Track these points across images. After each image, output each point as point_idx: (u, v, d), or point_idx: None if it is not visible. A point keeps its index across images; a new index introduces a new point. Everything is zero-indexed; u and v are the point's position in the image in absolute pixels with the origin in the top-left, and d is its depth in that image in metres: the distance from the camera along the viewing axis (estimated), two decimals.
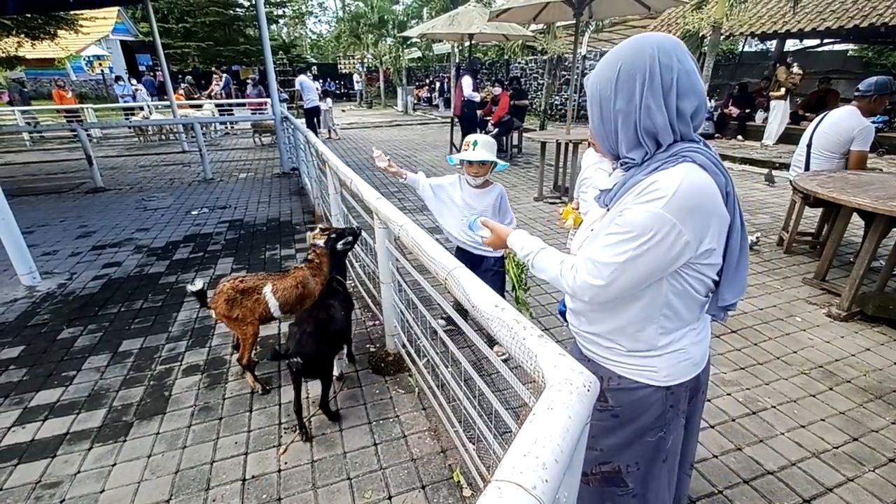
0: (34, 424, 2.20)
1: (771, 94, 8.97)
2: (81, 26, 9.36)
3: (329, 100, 12.03)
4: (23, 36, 8.56)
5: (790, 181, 3.90)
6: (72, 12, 9.63)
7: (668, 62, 0.89)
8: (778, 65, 9.44)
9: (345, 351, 2.51)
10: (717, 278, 1.00)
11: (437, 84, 18.65)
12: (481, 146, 2.30)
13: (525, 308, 1.81)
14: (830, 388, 2.39)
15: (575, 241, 1.17)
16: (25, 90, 13.67)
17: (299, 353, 1.98)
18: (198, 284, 2.22)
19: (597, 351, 1.14)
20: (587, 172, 2.43)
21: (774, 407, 2.26)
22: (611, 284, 0.96)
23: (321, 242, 2.56)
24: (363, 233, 2.70)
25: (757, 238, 4.33)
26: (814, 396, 2.33)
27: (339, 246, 2.46)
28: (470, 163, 2.31)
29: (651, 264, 0.92)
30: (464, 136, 8.13)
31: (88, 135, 7.76)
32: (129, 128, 11.97)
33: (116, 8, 17.96)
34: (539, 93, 14.78)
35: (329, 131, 11.90)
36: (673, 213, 0.87)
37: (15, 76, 15.02)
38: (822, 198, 3.08)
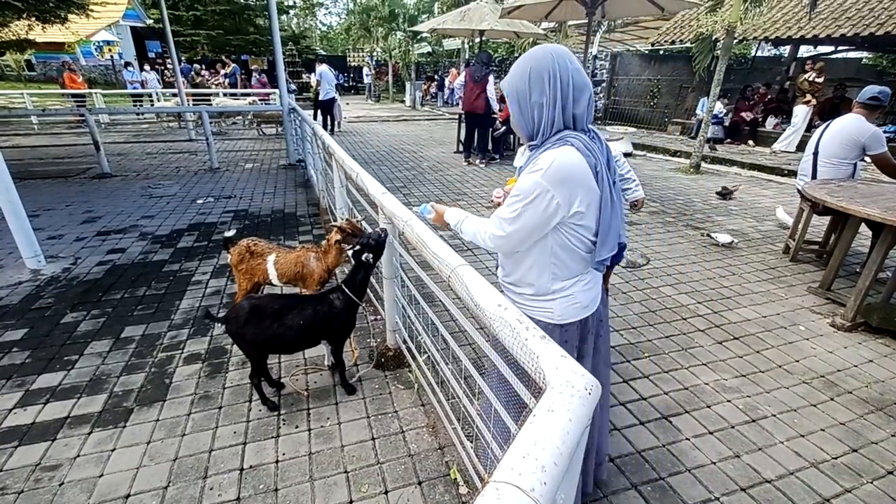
0: (35, 407, 2.22)
1: (798, 100, 8.81)
2: (92, 10, 9.33)
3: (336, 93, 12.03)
4: (33, 19, 8.54)
5: (798, 189, 3.87)
6: None
7: (563, 63, 1.18)
8: (799, 73, 9.31)
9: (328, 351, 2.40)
10: (594, 238, 1.28)
11: (443, 79, 18.53)
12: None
13: None
14: (831, 399, 2.38)
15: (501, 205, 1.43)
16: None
17: (226, 321, 2.09)
18: (231, 233, 2.71)
19: (512, 297, 1.45)
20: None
21: (774, 415, 2.26)
22: (509, 235, 1.27)
23: (342, 242, 2.43)
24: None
25: (734, 242, 4.44)
26: (814, 406, 2.33)
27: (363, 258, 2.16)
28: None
29: (534, 219, 1.22)
30: (468, 133, 7.91)
31: (97, 120, 7.77)
32: (138, 115, 12.00)
33: None
34: None
35: (337, 124, 11.91)
36: (548, 181, 1.17)
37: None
38: (830, 207, 3.05)
